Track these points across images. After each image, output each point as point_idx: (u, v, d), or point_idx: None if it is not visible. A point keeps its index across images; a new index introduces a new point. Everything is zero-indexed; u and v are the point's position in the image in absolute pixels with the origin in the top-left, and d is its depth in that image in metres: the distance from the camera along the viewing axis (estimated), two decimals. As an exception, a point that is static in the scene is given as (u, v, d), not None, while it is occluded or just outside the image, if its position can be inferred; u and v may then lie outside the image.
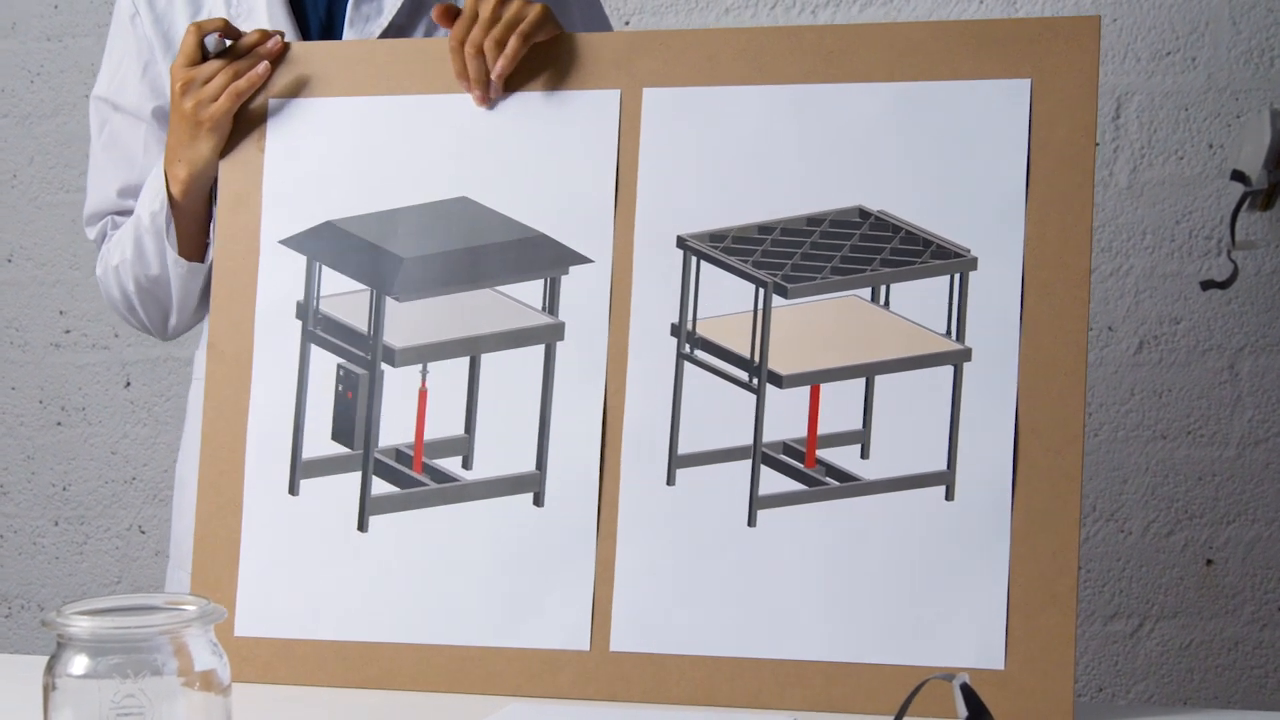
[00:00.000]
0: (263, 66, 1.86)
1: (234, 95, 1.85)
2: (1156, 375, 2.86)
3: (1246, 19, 2.82)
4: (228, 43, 1.89)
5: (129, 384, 3.19)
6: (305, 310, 1.83)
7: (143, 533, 3.20)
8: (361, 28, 2.02)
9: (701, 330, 1.74)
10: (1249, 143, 2.73)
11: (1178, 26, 2.84)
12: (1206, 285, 2.73)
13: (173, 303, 2.03)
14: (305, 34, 2.05)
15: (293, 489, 1.82)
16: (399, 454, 1.80)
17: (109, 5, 3.12)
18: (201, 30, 1.89)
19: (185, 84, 1.87)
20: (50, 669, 1.32)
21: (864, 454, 1.72)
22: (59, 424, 3.22)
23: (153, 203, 1.97)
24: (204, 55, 1.89)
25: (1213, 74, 2.83)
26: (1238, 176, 2.71)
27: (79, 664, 1.30)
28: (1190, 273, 2.85)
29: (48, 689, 1.31)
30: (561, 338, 1.77)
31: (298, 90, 1.87)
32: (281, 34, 1.88)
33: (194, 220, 1.97)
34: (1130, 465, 2.88)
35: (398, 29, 2.01)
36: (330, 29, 2.06)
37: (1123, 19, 2.85)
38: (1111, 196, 2.86)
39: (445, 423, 1.80)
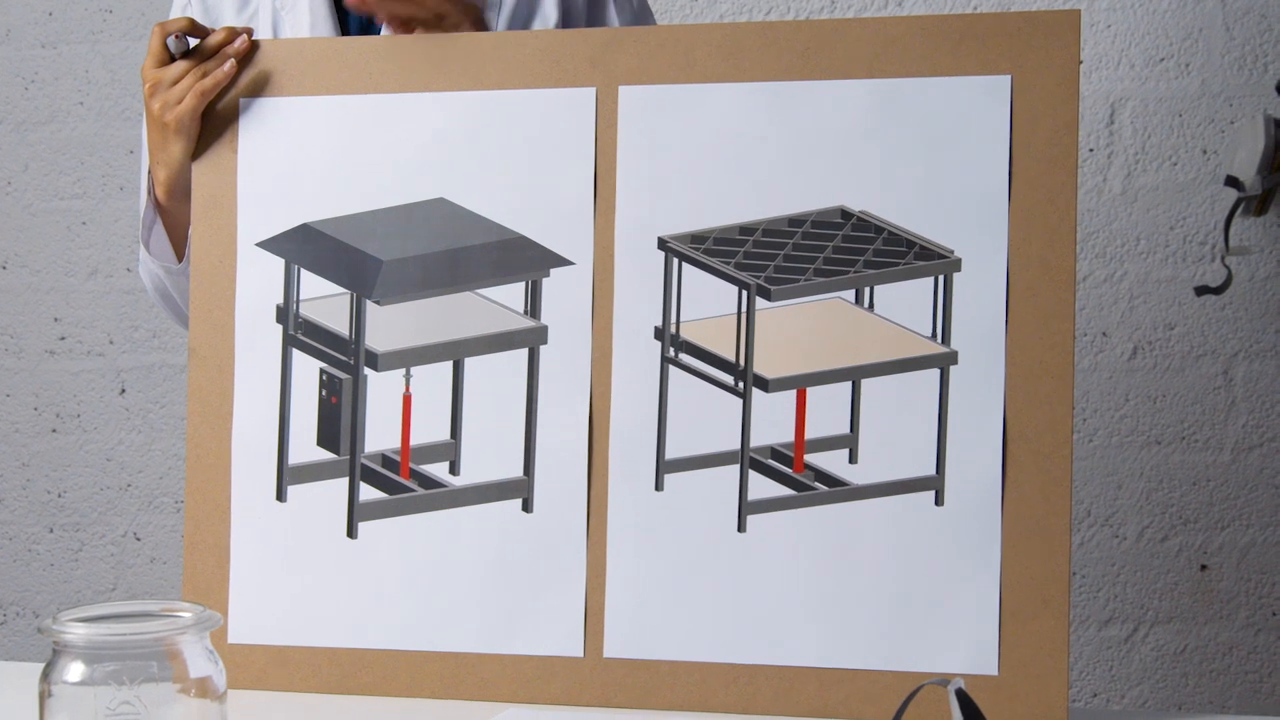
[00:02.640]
0: (229, 65, 1.84)
1: (199, 95, 1.83)
2: (1151, 381, 2.86)
3: (1240, 25, 2.82)
4: (192, 43, 1.87)
5: (124, 390, 3.19)
6: (285, 314, 1.82)
7: (138, 539, 3.20)
8: (398, 28, 2.02)
9: (685, 333, 1.74)
10: (1243, 148, 2.72)
11: (1171, 32, 2.84)
12: (1201, 291, 2.72)
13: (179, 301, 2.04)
14: (345, 31, 2.05)
15: (280, 495, 1.81)
16: (385, 459, 1.79)
17: (102, 12, 3.13)
18: (165, 30, 1.87)
19: (153, 86, 1.86)
20: (46, 676, 1.32)
21: (852, 459, 1.71)
22: (54, 431, 3.22)
23: (143, 206, 1.98)
24: (173, 55, 1.87)
25: (1206, 80, 2.83)
26: (1231, 182, 2.71)
27: (75, 671, 1.31)
28: (1184, 278, 2.85)
29: (44, 696, 1.31)
30: (545, 341, 1.77)
31: (269, 89, 1.85)
32: (250, 31, 1.86)
33: (182, 223, 1.96)
34: (1125, 471, 2.88)
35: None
36: (370, 28, 2.06)
37: (1116, 25, 2.84)
38: (1105, 202, 2.86)
39: (429, 428, 1.79)
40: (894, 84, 1.71)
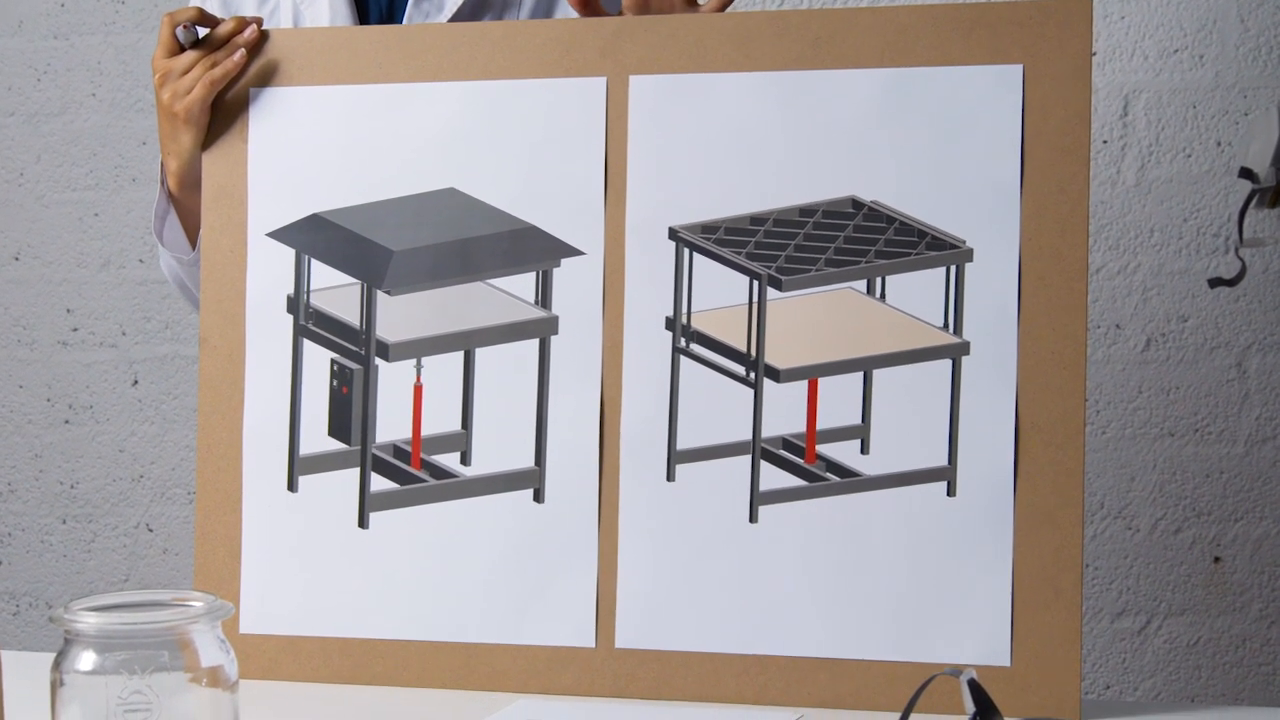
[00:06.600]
0: (239, 55, 1.83)
1: (208, 85, 1.83)
2: (1164, 373, 2.86)
3: (1254, 16, 2.81)
4: (201, 33, 1.86)
5: (137, 382, 3.19)
6: (296, 304, 1.82)
7: (150, 531, 3.21)
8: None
9: (696, 323, 1.74)
10: (1257, 140, 2.72)
11: (1185, 24, 2.83)
12: (1214, 283, 2.72)
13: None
14: (365, 23, 2.05)
15: (291, 485, 1.82)
16: (396, 450, 1.79)
17: (114, 3, 3.13)
18: (174, 20, 1.86)
19: (163, 76, 1.86)
20: (58, 665, 1.32)
21: (864, 449, 1.71)
22: (67, 422, 3.22)
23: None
24: (183, 45, 1.87)
25: (1220, 71, 2.82)
26: (1245, 174, 2.71)
27: (86, 660, 1.30)
28: (1198, 270, 2.84)
29: (55, 685, 1.31)
30: (556, 331, 1.77)
31: (280, 79, 1.85)
32: (259, 21, 1.85)
33: (196, 213, 1.95)
34: (1138, 463, 2.87)
35: None
36: (391, 22, 2.06)
37: (1130, 16, 2.84)
38: (1119, 194, 2.85)
39: (440, 418, 1.79)
40: (905, 73, 1.71)
